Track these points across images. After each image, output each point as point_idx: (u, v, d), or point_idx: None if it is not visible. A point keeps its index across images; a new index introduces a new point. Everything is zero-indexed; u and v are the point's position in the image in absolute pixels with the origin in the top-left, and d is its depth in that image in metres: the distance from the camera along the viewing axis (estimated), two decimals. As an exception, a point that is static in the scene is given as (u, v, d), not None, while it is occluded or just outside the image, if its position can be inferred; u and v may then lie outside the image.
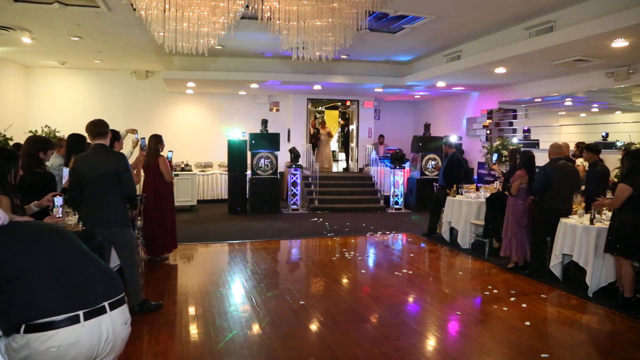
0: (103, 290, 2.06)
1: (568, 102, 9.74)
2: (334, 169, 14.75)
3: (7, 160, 3.07)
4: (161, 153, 6.25)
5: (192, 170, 11.52)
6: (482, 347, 3.90)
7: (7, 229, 2.04)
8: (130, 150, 5.90)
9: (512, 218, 6.04)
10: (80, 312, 1.93)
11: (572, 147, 7.65)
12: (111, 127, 4.38)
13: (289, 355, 3.69)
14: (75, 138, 4.94)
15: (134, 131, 6.00)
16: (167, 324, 4.23)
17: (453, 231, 7.70)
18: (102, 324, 1.99)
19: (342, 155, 15.77)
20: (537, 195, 5.77)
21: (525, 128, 10.89)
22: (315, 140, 14.25)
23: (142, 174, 6.27)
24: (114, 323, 2.03)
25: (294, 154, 11.30)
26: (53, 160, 5.11)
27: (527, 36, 7.50)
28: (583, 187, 6.32)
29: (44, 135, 9.81)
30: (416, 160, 11.67)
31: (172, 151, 6.81)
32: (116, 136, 4.83)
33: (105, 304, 2.02)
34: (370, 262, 6.56)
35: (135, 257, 4.32)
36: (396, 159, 11.70)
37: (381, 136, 14.17)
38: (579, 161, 7.19)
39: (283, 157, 11.65)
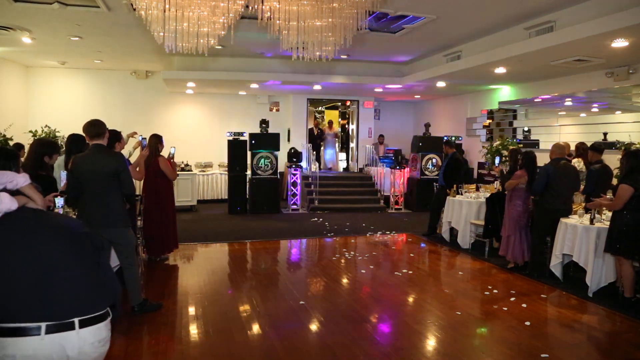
0: (78, 304, 1.87)
1: (568, 102, 9.74)
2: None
3: (7, 160, 3.07)
4: (161, 153, 6.26)
5: (192, 170, 11.53)
6: (482, 347, 3.90)
7: (9, 218, 1.91)
8: (129, 151, 5.91)
9: (510, 217, 6.03)
10: (43, 324, 1.78)
11: (572, 147, 7.65)
12: (111, 127, 4.39)
13: (289, 355, 3.69)
14: (74, 138, 4.93)
15: (134, 134, 6.06)
16: (167, 324, 4.23)
17: (453, 231, 7.70)
18: (67, 341, 1.81)
19: (342, 155, 15.76)
20: (537, 195, 5.77)
21: (526, 129, 10.88)
22: (320, 141, 14.14)
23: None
24: (82, 342, 1.84)
25: (294, 154, 11.29)
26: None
27: (527, 36, 7.50)
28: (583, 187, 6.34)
29: (44, 135, 9.83)
30: (416, 160, 11.67)
31: (174, 147, 6.81)
32: (116, 136, 4.83)
33: (76, 320, 1.84)
34: (370, 262, 6.55)
35: (135, 257, 4.32)
36: (397, 160, 11.73)
37: (381, 136, 14.16)
38: (575, 161, 7.20)
39: (283, 157, 11.66)
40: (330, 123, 14.91)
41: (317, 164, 13.66)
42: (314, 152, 13.69)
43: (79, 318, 1.86)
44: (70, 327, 1.83)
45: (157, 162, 6.12)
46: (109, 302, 2.03)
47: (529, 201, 5.98)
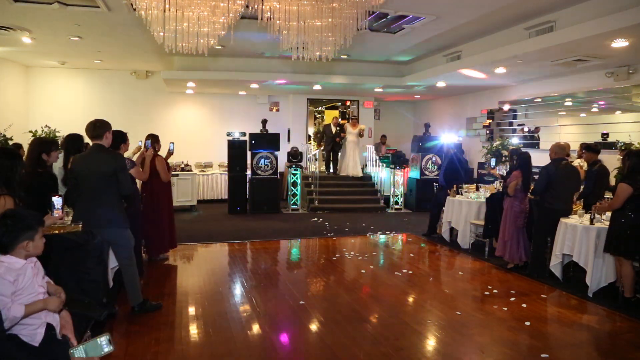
0: None
1: (568, 102, 9.73)
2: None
3: (12, 160, 3.09)
4: (159, 151, 6.26)
5: (192, 170, 11.53)
6: (482, 347, 3.90)
7: None
8: (129, 156, 5.90)
9: (509, 219, 6.03)
10: None
11: (573, 147, 7.63)
12: (111, 127, 4.37)
13: (289, 355, 3.69)
14: (71, 138, 4.93)
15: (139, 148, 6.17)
16: (167, 324, 4.23)
17: (453, 231, 7.70)
18: None
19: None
20: (538, 195, 5.77)
21: (530, 128, 10.82)
22: (339, 139, 12.26)
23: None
24: None
25: (295, 154, 11.27)
26: None
27: (527, 36, 7.49)
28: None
29: (44, 135, 9.83)
30: (416, 160, 11.66)
31: (173, 142, 6.77)
32: (122, 137, 4.81)
33: None
34: (370, 262, 6.55)
35: (133, 257, 4.32)
36: (397, 160, 11.72)
37: (383, 136, 14.13)
38: (577, 162, 7.20)
39: (283, 157, 11.65)
40: (355, 119, 12.88)
41: (332, 169, 12.51)
42: (322, 154, 12.99)
43: None
44: None
45: (154, 162, 6.11)
46: None
47: (525, 201, 5.98)
